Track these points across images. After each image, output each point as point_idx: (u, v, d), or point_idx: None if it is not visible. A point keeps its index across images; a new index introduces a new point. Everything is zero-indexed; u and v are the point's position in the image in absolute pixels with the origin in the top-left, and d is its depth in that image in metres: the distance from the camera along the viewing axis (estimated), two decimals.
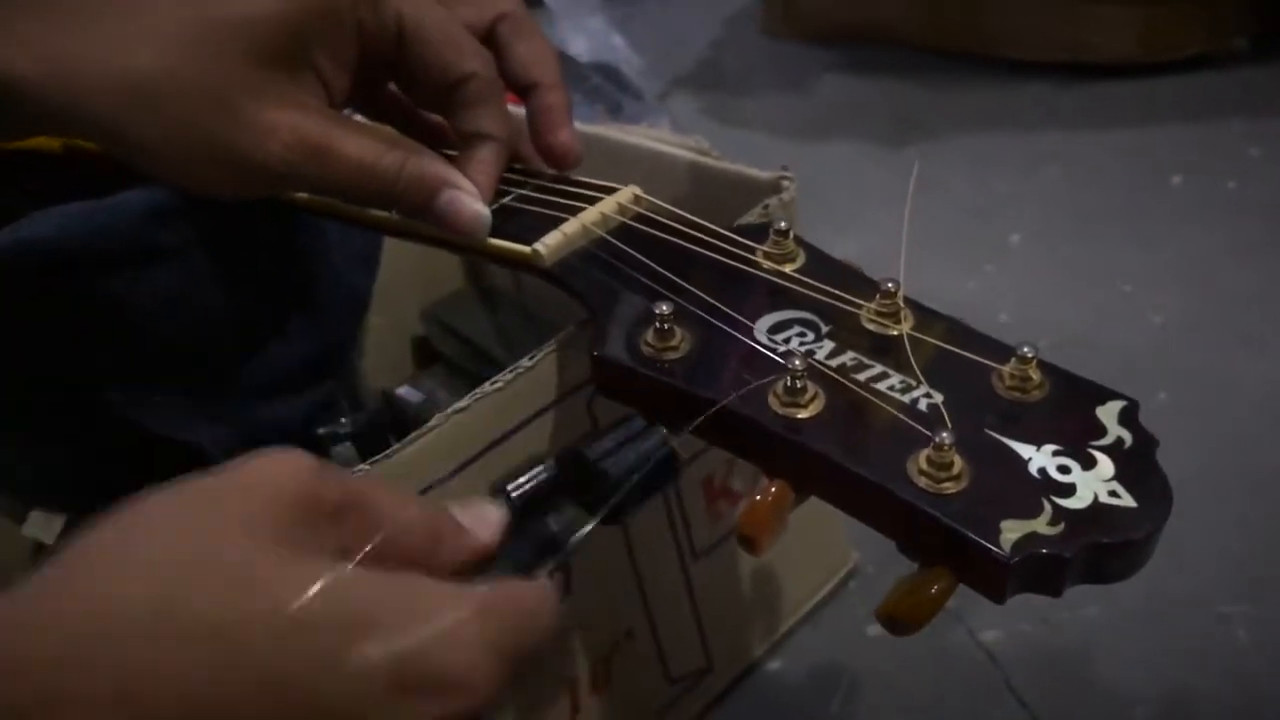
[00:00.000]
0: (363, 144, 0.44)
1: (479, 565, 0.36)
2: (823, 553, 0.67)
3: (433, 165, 0.45)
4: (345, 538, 0.32)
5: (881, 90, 1.25)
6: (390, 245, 0.67)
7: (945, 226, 0.98)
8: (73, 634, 0.27)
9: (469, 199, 0.45)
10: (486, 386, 0.45)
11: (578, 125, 0.54)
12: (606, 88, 1.09)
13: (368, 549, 0.32)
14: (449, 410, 0.44)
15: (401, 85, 0.50)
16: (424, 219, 0.46)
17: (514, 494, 0.39)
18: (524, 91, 0.51)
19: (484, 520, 0.36)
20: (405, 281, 0.77)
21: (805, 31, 1.33)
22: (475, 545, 0.36)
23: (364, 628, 0.29)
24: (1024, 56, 1.20)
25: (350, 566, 0.31)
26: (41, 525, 0.66)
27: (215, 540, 0.30)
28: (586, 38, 1.13)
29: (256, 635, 0.28)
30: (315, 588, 0.29)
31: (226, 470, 0.32)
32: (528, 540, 0.38)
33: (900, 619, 0.35)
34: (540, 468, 0.40)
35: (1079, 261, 0.95)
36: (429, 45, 0.46)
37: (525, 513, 0.39)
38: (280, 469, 0.32)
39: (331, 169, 0.43)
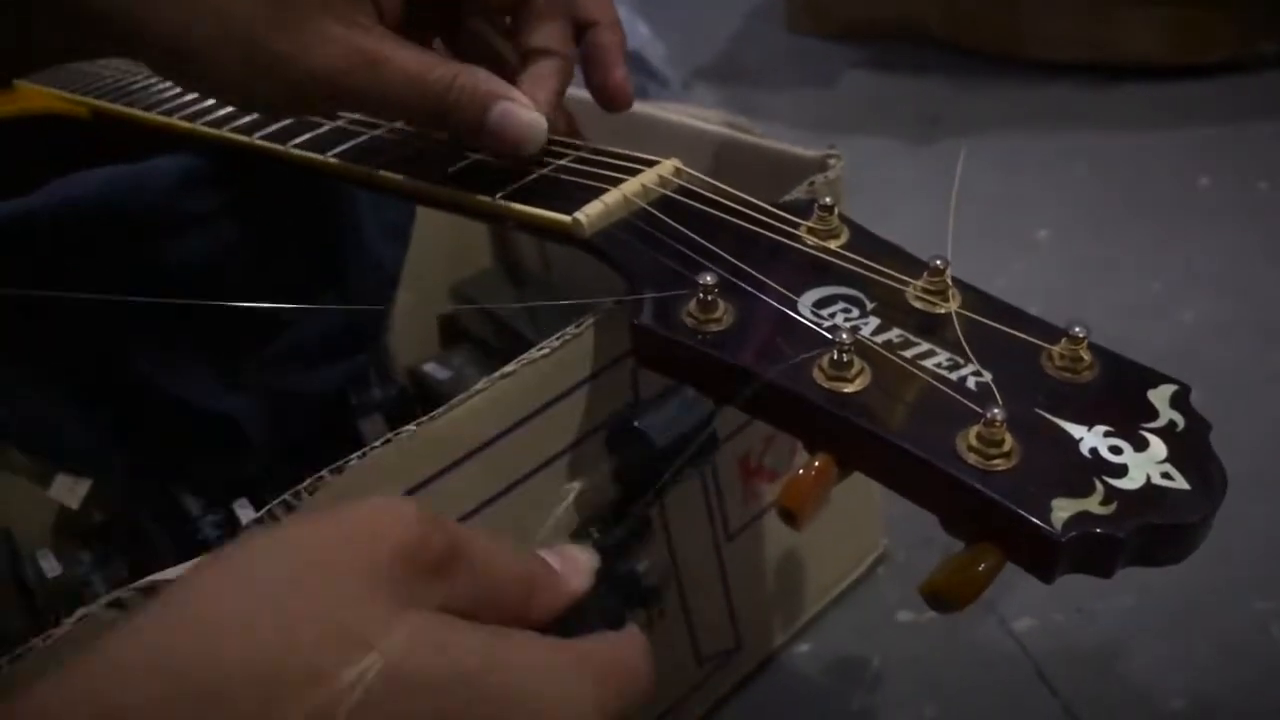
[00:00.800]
0: (416, 56, 0.44)
1: (570, 612, 0.35)
2: (853, 537, 0.67)
3: (486, 79, 0.45)
4: (448, 591, 0.30)
5: (907, 87, 1.24)
6: (420, 223, 0.66)
7: (973, 223, 0.98)
8: (171, 691, 0.26)
9: (522, 109, 0.45)
10: (533, 353, 0.44)
11: None
12: (633, 74, 1.08)
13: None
14: (495, 375, 0.43)
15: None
16: (478, 139, 0.46)
17: (598, 537, 0.38)
18: (582, 28, 0.51)
19: (575, 566, 0.36)
20: (434, 259, 0.76)
21: (829, 28, 1.33)
22: (568, 592, 0.35)
23: (468, 686, 0.28)
24: (1052, 57, 1.20)
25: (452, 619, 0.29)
26: (67, 489, 0.66)
27: (315, 595, 0.28)
28: None
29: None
30: (414, 638, 0.28)
31: (330, 516, 0.30)
32: (614, 586, 0.37)
33: (945, 596, 0.34)
34: (624, 518, 0.39)
35: (1107, 259, 0.94)
36: None
37: (609, 554, 0.38)
38: (387, 517, 0.30)
39: (384, 80, 0.43)
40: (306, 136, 0.54)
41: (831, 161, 0.56)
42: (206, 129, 0.57)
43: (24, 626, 0.59)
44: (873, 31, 1.30)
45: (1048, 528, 0.32)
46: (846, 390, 0.36)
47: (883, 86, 1.25)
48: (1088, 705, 0.59)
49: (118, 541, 0.64)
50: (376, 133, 0.54)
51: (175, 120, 0.59)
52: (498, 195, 0.46)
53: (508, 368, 0.44)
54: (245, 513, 0.57)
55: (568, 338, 0.45)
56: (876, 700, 0.61)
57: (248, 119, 0.57)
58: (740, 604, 0.60)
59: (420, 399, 0.73)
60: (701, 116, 0.65)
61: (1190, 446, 0.35)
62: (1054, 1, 1.17)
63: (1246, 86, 1.15)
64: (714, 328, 0.39)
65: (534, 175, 0.47)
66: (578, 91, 0.56)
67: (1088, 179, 1.05)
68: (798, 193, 0.54)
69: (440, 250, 0.76)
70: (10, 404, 0.57)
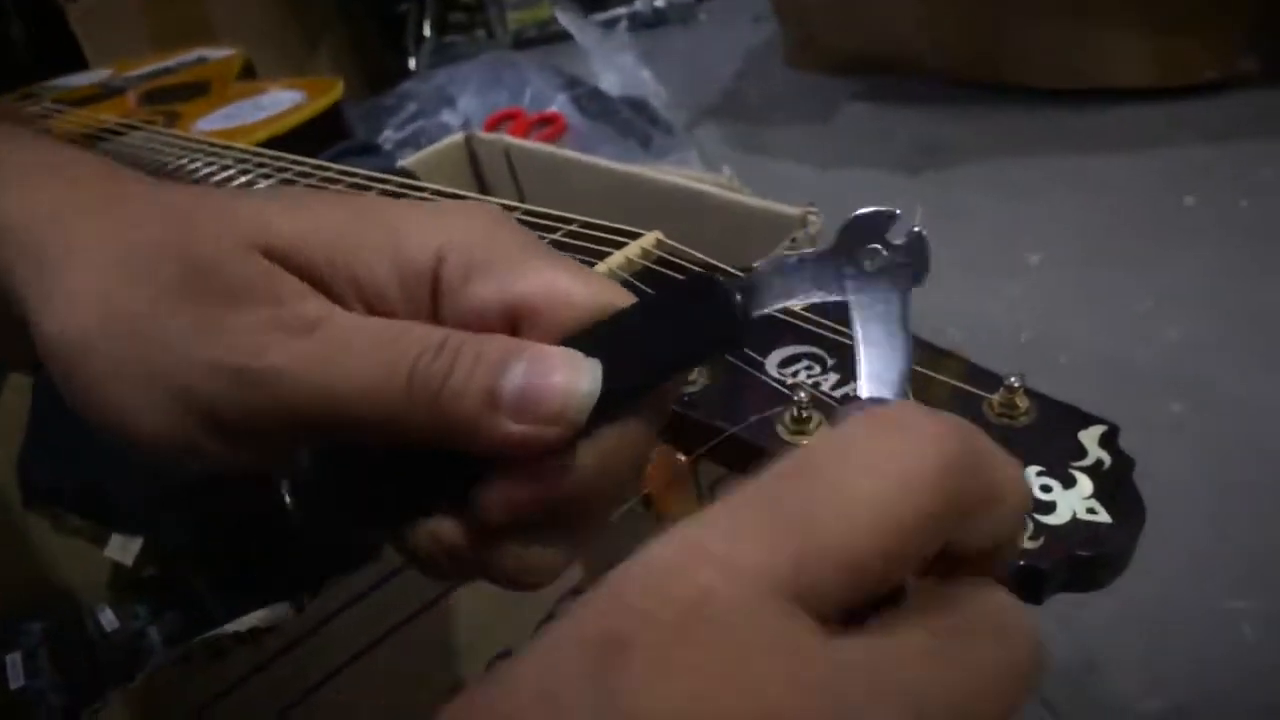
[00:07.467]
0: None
1: None
2: None
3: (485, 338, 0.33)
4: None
5: (902, 118, 1.29)
6: None
7: (967, 249, 1.02)
8: None
9: (559, 364, 0.32)
10: None
11: (611, 164, 0.56)
12: (638, 122, 1.13)
13: None
14: None
15: None
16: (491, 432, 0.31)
17: None
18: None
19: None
20: None
21: (827, 63, 1.37)
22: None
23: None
24: (1041, 84, 1.24)
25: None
26: (121, 547, 0.71)
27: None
28: (617, 72, 1.17)
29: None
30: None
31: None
32: None
33: None
34: None
35: (1097, 280, 0.98)
36: None
37: None
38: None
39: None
40: None
41: (811, 218, 0.60)
42: None
43: (89, 679, 0.64)
44: (868, 66, 1.34)
45: None
46: (805, 443, 0.41)
47: (880, 119, 1.30)
48: (1069, 704, 0.63)
49: (171, 594, 0.69)
50: None
51: None
52: None
53: None
54: None
55: None
56: None
57: None
58: None
59: None
60: (693, 177, 0.69)
61: (1114, 483, 0.39)
62: (1036, 34, 1.20)
63: (1229, 105, 1.18)
64: (690, 390, 0.44)
65: None
66: (584, 157, 0.58)
67: (1077, 201, 1.09)
68: (780, 249, 0.58)
69: None
70: (67, 474, 0.62)
